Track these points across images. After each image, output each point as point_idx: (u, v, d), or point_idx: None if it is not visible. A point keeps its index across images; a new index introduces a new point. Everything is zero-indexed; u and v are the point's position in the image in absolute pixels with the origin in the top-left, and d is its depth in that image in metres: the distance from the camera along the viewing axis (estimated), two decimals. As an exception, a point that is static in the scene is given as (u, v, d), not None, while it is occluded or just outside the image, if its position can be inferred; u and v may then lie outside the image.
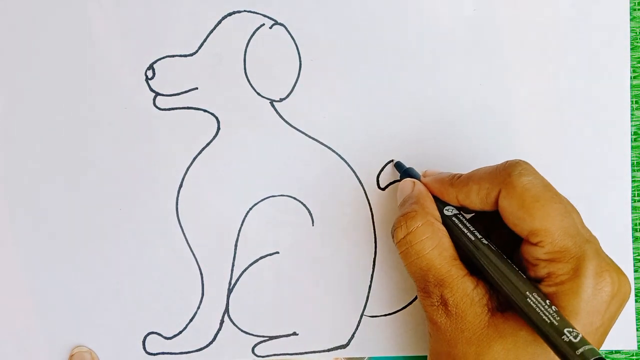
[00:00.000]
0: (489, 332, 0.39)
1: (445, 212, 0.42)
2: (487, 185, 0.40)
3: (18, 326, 0.48)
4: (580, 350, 0.35)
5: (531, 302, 0.37)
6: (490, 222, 0.43)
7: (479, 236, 0.40)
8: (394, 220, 0.42)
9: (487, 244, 0.40)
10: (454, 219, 0.42)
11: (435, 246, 0.40)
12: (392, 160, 0.49)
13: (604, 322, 0.39)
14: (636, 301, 0.49)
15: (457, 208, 0.42)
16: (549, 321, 0.36)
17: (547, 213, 0.38)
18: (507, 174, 0.39)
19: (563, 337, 0.35)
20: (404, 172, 0.47)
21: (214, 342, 0.48)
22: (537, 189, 0.39)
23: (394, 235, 0.41)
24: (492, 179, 0.40)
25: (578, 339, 0.35)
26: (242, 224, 0.49)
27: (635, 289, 0.49)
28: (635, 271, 0.49)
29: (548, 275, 0.38)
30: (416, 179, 0.45)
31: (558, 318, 0.36)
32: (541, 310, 0.37)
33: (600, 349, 0.48)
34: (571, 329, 0.36)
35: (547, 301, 0.37)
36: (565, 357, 0.35)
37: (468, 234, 0.41)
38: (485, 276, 0.40)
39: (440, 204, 0.43)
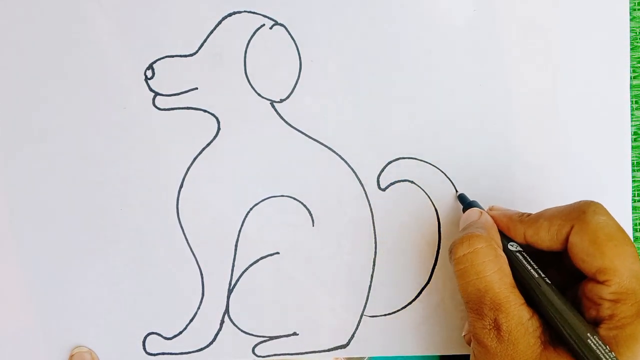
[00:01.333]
0: None
1: (510, 247, 0.42)
2: (559, 222, 0.40)
3: (18, 326, 0.48)
4: None
5: (592, 344, 0.37)
6: (546, 262, 0.43)
7: (542, 274, 0.40)
8: (454, 239, 0.41)
9: (550, 283, 0.40)
10: (517, 254, 0.42)
11: (497, 270, 0.40)
12: (457, 193, 0.49)
13: None
14: (636, 301, 0.49)
15: (521, 245, 0.42)
16: None
17: (619, 253, 0.38)
18: (581, 211, 0.39)
19: None
20: (468, 204, 0.47)
21: (214, 343, 0.48)
22: (611, 229, 0.38)
23: (452, 252, 0.41)
24: (565, 216, 0.40)
25: None
26: (242, 224, 0.49)
27: (635, 288, 0.49)
28: (635, 271, 0.49)
29: (610, 317, 0.38)
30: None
31: None
32: (601, 353, 0.37)
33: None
34: None
35: (607, 346, 0.37)
36: None
37: (531, 270, 0.41)
38: (541, 312, 0.40)
39: (505, 239, 0.43)
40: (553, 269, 0.42)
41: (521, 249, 0.42)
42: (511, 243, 0.42)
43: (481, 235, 0.41)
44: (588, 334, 0.37)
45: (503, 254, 0.41)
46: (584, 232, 0.39)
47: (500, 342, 0.39)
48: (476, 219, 0.44)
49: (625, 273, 0.37)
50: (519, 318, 0.39)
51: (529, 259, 0.41)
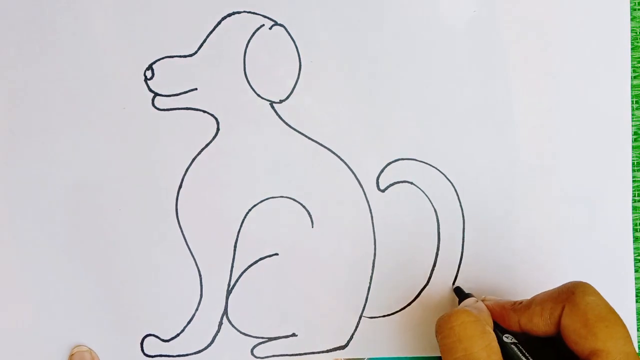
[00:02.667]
0: None
1: (505, 339, 0.41)
2: (550, 305, 0.40)
3: (18, 326, 0.48)
4: None
5: None
6: (545, 345, 0.42)
7: None
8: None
9: None
10: (513, 346, 0.41)
11: (485, 346, 0.38)
12: (454, 286, 0.49)
13: None
14: (637, 301, 0.49)
15: (517, 335, 0.42)
16: None
17: (611, 334, 0.37)
18: (570, 292, 0.39)
19: None
20: (465, 296, 0.47)
21: (212, 344, 0.48)
22: (601, 309, 0.38)
23: (439, 325, 0.40)
24: (555, 299, 0.40)
25: None
26: (241, 225, 0.49)
27: (635, 289, 0.49)
28: (636, 271, 0.49)
29: None
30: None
31: None
32: None
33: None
34: None
35: None
36: None
37: None
38: None
39: (500, 331, 0.42)
40: (551, 351, 0.41)
41: (516, 341, 0.41)
42: (506, 335, 0.41)
43: (470, 312, 0.40)
44: None
45: (492, 333, 0.40)
46: (574, 313, 0.38)
47: None
48: (470, 304, 0.44)
49: (617, 356, 0.37)
50: None
51: (525, 352, 0.41)
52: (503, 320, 0.42)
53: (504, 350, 0.40)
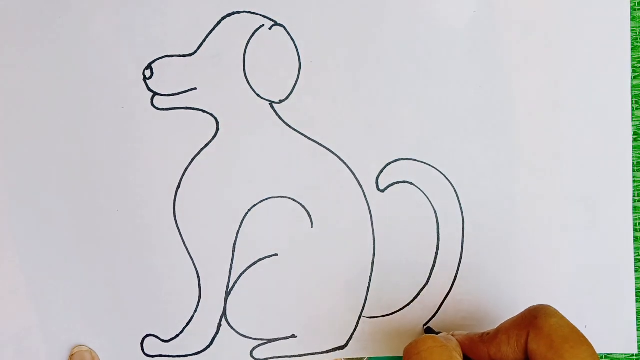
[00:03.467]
0: None
1: None
2: (516, 332, 0.40)
3: (18, 326, 0.48)
4: None
5: None
6: None
7: None
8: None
9: None
10: None
11: None
12: (425, 326, 0.49)
13: None
14: (637, 302, 0.49)
15: None
16: None
17: (577, 354, 0.37)
18: (533, 317, 0.39)
19: None
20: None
21: (211, 346, 0.48)
22: (565, 330, 0.38)
23: (407, 350, 0.40)
24: (519, 325, 0.40)
25: None
26: (240, 226, 0.49)
27: (635, 289, 0.49)
28: (636, 271, 0.49)
29: None
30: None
31: None
32: None
33: (599, 351, 0.48)
34: None
35: None
36: None
37: None
38: None
39: None
40: None
41: None
42: None
43: (437, 338, 0.40)
44: None
45: (460, 359, 0.40)
46: (539, 338, 0.38)
47: None
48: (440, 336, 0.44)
49: None
50: None
51: None
52: (473, 353, 0.42)
53: None
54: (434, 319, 0.49)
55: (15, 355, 0.48)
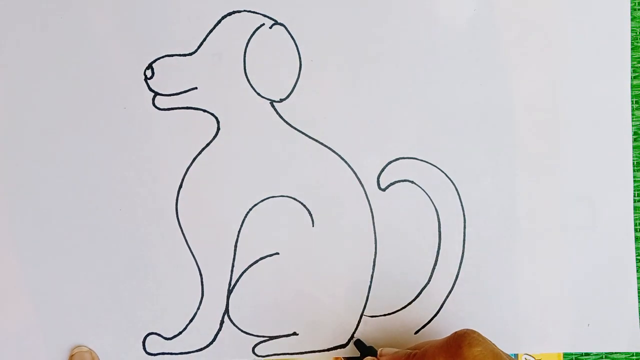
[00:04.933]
0: None
1: None
2: (442, 358, 0.40)
3: (18, 326, 0.48)
4: None
5: None
6: None
7: None
8: None
9: None
10: None
11: None
12: (354, 340, 0.49)
13: None
14: (639, 301, 0.49)
15: None
16: None
17: None
18: (457, 346, 0.39)
19: None
20: (364, 350, 0.47)
21: (214, 343, 0.48)
22: (488, 357, 0.39)
23: None
24: (446, 351, 0.40)
25: None
26: (242, 225, 0.48)
27: (637, 288, 0.49)
28: (637, 271, 0.49)
29: None
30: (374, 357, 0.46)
31: None
32: None
33: (601, 350, 0.48)
34: None
35: None
36: None
37: None
38: None
39: None
40: None
41: None
42: None
43: None
44: None
45: None
46: None
47: None
48: None
49: None
50: None
51: None
52: None
53: None
54: (434, 318, 0.49)
55: (15, 355, 0.48)
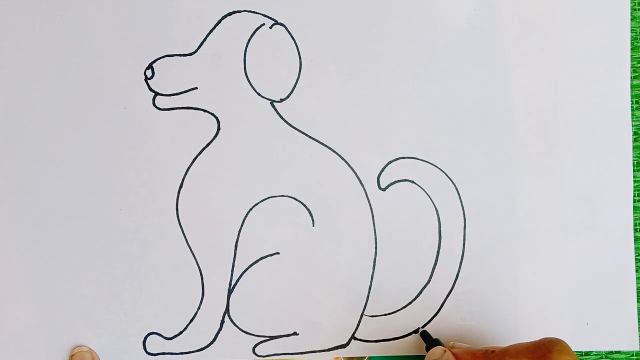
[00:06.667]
0: None
1: None
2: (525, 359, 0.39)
3: (18, 326, 0.48)
4: None
5: None
6: None
7: None
8: None
9: None
10: None
11: None
12: (420, 330, 0.48)
13: None
14: (638, 301, 0.49)
15: None
16: None
17: None
18: (547, 349, 0.39)
19: None
20: (431, 342, 0.47)
21: (214, 342, 0.48)
22: None
23: None
24: (532, 354, 0.39)
25: None
26: (242, 225, 0.48)
27: (637, 288, 0.49)
28: (637, 271, 0.49)
29: None
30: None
31: None
32: None
33: (601, 349, 0.48)
34: None
35: None
36: None
37: None
38: None
39: None
40: None
41: None
42: None
43: None
44: None
45: None
46: None
47: None
48: (438, 358, 0.44)
49: None
50: None
51: None
52: None
53: None
54: (434, 318, 0.49)
55: (15, 355, 0.48)
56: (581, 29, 0.49)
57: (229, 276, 0.48)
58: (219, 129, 0.49)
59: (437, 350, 0.45)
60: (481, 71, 0.49)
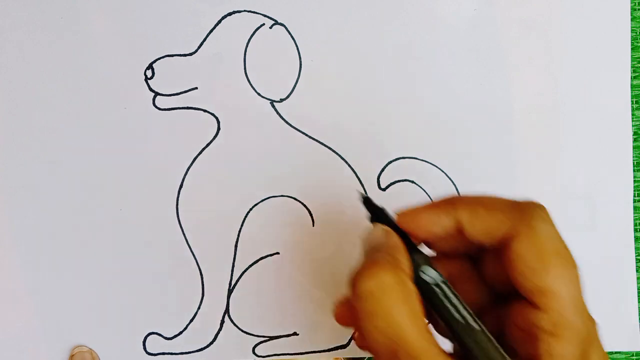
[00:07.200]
0: None
1: (425, 277, 0.32)
2: (500, 217, 0.32)
3: (18, 326, 0.48)
4: None
5: None
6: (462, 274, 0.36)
7: (472, 317, 0.31)
8: (355, 267, 0.31)
9: (482, 329, 0.31)
10: (435, 288, 0.32)
11: (408, 312, 0.29)
12: (363, 197, 0.37)
13: None
14: (639, 301, 0.49)
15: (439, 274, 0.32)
16: None
17: (563, 274, 0.30)
18: (528, 214, 0.32)
19: None
20: (374, 212, 0.36)
21: (214, 343, 0.48)
22: (558, 244, 0.31)
23: (355, 285, 0.30)
24: (508, 212, 0.32)
25: None
26: (242, 225, 0.48)
27: (637, 288, 0.49)
28: (637, 271, 0.49)
29: (549, 357, 0.30)
30: (390, 221, 0.35)
31: None
32: None
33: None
34: None
35: None
36: None
37: (455, 313, 0.31)
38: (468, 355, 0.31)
39: (420, 258, 0.32)
40: (469, 282, 0.35)
41: (442, 278, 0.32)
42: (425, 270, 0.32)
43: (388, 265, 0.30)
44: None
45: (414, 289, 0.30)
46: (530, 241, 0.31)
47: None
48: (383, 241, 0.33)
49: (565, 299, 0.30)
50: None
51: (455, 296, 0.31)
52: (431, 213, 0.34)
53: (423, 291, 0.32)
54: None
55: (15, 355, 0.48)
56: (581, 29, 0.49)
57: (229, 276, 0.48)
58: (219, 129, 0.49)
59: (377, 232, 0.34)
60: (481, 71, 0.49)
